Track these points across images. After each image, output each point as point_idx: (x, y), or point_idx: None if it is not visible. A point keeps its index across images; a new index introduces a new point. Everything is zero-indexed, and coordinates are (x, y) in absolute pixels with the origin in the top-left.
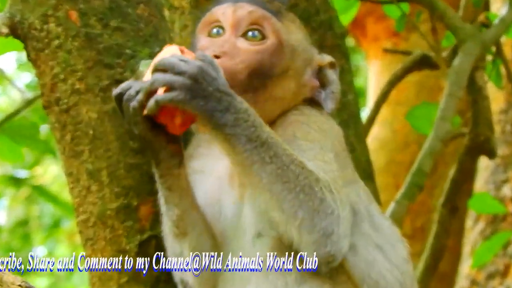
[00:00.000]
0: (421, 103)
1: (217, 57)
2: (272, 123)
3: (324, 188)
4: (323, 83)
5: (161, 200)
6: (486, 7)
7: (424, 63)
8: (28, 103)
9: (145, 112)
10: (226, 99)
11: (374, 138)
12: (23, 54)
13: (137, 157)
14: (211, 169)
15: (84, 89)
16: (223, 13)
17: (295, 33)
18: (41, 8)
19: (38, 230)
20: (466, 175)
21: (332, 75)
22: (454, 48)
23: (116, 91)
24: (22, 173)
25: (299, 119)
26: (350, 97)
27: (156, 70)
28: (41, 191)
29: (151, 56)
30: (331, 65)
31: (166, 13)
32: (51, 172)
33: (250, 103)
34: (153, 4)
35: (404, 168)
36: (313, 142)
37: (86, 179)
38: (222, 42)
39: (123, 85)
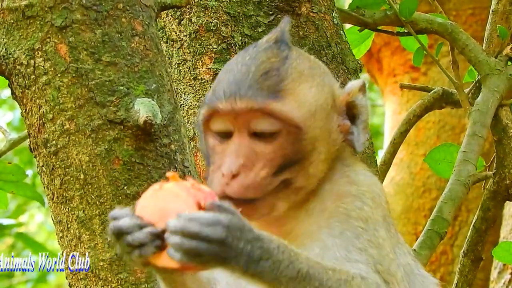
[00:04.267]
0: (442, 144)
1: (233, 176)
2: (317, 190)
3: None
4: (354, 115)
5: None
6: None
7: (445, 100)
8: (12, 144)
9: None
10: (257, 246)
11: (391, 182)
12: (6, 91)
13: (132, 203)
14: None
15: (74, 130)
16: (224, 111)
17: (307, 92)
18: (27, 41)
19: (23, 284)
20: (490, 222)
21: (362, 101)
22: (477, 84)
23: (115, 225)
24: (5, 221)
25: (351, 192)
26: None
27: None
28: (25, 240)
29: (147, 93)
30: (360, 90)
31: (163, 46)
32: (36, 219)
33: (289, 195)
34: (149, 37)
35: (423, 215)
36: (367, 221)
37: (76, 228)
38: (236, 149)
39: (125, 224)
